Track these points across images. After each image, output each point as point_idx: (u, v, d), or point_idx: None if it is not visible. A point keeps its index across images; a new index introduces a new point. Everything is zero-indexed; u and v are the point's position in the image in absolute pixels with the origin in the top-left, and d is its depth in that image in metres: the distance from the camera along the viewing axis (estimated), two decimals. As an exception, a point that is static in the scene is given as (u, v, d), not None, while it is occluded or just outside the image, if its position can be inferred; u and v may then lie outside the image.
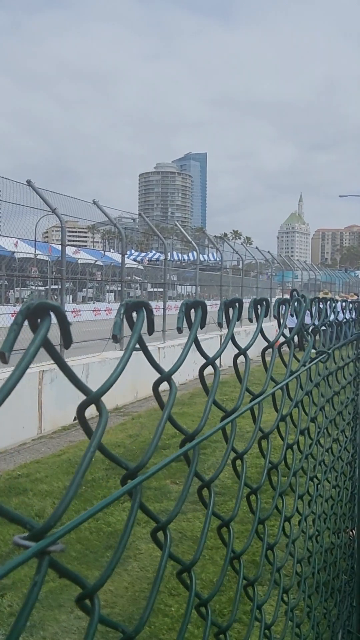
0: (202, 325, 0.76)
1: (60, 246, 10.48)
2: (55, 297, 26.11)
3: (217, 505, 3.25)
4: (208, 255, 45.74)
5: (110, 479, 6.00)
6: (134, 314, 0.59)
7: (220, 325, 0.85)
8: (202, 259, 35.72)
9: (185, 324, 0.76)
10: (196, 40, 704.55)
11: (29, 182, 9.27)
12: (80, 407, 0.53)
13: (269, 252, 24.99)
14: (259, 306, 1.00)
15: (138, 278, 42.07)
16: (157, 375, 0.75)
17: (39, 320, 0.45)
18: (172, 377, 0.73)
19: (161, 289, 20.22)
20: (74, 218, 12.61)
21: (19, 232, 14.92)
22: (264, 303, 1.01)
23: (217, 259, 22.26)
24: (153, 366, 0.68)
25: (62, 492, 5.69)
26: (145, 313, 0.58)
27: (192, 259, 43.80)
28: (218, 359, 0.87)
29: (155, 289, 39.77)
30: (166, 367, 0.74)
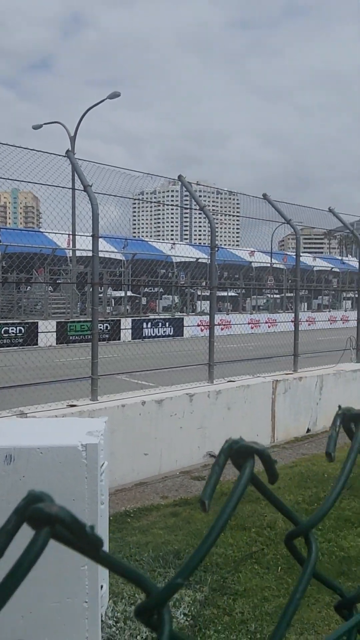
0: None
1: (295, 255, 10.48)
2: (290, 305, 26.19)
3: None
4: None
5: (344, 500, 5.74)
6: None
7: None
8: None
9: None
10: None
11: (264, 196, 9.51)
12: (288, 537, 0.49)
13: None
14: None
15: (378, 284, 39.60)
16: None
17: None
18: None
19: None
20: (309, 227, 12.51)
21: (256, 242, 15.43)
22: None
23: None
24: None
25: (295, 507, 5.65)
26: None
27: None
28: None
29: None
30: None
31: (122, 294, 27.58)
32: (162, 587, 0.33)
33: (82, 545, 0.27)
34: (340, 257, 44.63)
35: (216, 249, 8.68)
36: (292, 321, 10.09)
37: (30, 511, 0.31)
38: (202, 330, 16.90)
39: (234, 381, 8.29)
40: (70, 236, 20.33)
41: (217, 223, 9.08)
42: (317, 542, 0.52)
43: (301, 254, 10.34)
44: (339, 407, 0.52)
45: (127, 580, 0.32)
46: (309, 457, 7.65)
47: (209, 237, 8.60)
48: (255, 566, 4.45)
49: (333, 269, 37.58)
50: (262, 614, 3.76)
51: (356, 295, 13.64)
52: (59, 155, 6.89)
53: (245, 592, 4.07)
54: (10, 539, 0.33)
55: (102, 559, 0.29)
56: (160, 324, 21.99)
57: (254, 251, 24.77)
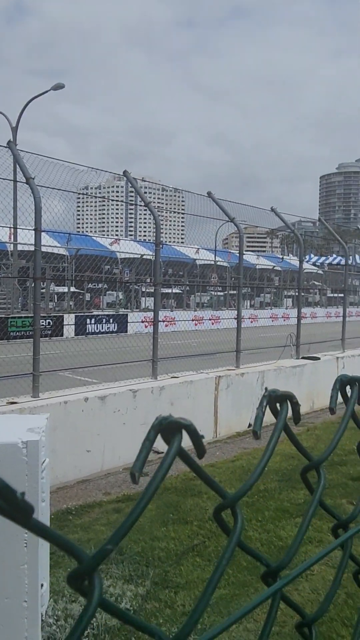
0: None
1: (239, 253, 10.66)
2: (233, 302, 26.63)
3: None
4: (395, 258, 42.58)
5: (282, 491, 5.91)
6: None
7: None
8: (388, 262, 33.33)
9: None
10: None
11: (209, 194, 9.61)
12: (216, 510, 0.52)
13: None
14: None
15: (317, 283, 40.93)
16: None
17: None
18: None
19: (341, 295, 19.35)
20: (252, 225, 12.76)
21: (200, 240, 15.60)
22: None
23: None
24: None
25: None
26: (289, 406, 0.55)
27: (376, 262, 41.16)
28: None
29: (335, 295, 38.27)
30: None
31: (65, 289, 27.14)
32: (93, 553, 0.34)
33: (12, 512, 0.28)
34: (281, 256, 45.77)
35: (161, 245, 8.69)
36: (234, 318, 10.27)
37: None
38: (146, 326, 16.90)
39: (177, 377, 8.36)
40: (12, 229, 19.80)
41: (162, 220, 9.10)
42: (243, 514, 0.54)
43: (244, 252, 10.52)
44: (265, 389, 0.55)
45: (59, 548, 0.33)
46: (250, 451, 7.81)
47: (154, 234, 8.60)
48: (197, 559, 4.51)
49: (275, 268, 38.48)
50: (203, 605, 3.83)
51: (297, 294, 14.04)
52: (0, 146, 6.70)
53: (186, 585, 4.13)
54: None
55: (32, 526, 0.30)
56: (104, 320, 21.80)
57: (199, 249, 25.01)
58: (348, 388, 0.71)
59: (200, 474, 0.48)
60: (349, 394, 0.70)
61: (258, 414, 0.54)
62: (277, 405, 0.54)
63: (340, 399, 0.76)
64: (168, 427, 0.42)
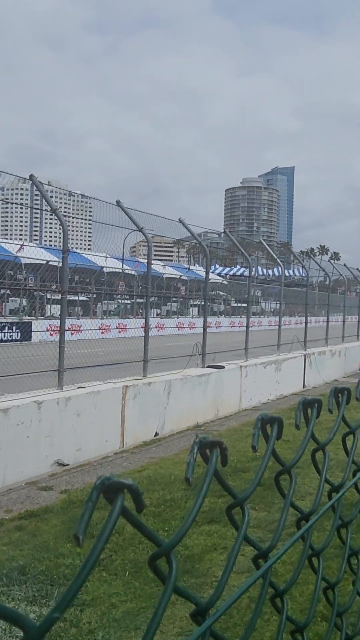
0: (279, 437, 0.74)
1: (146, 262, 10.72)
2: (141, 310, 26.67)
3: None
4: (294, 271, 45.02)
5: (189, 500, 5.99)
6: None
7: (297, 427, 0.82)
8: (287, 274, 35.11)
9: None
10: (288, 54, 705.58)
11: (118, 203, 9.60)
12: (151, 558, 0.52)
13: (357, 269, 24.13)
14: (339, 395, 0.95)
15: (222, 293, 42.12)
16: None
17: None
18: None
19: (245, 304, 20.07)
20: (160, 235, 12.89)
21: (108, 248, 15.48)
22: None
23: (303, 275, 21.80)
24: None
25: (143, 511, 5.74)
26: (219, 452, 0.56)
27: (277, 274, 43.25)
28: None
29: (239, 304, 39.62)
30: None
31: (-36, 295, 25.76)
32: (39, 623, 0.32)
33: None
34: (188, 266, 46.63)
35: (68, 252, 8.53)
36: (142, 327, 10.29)
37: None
38: (51, 335, 16.44)
39: (84, 387, 8.22)
40: None
41: (68, 226, 8.93)
42: (178, 561, 0.55)
43: (152, 261, 10.60)
44: (196, 435, 0.56)
45: (3, 619, 0.31)
46: (156, 461, 7.84)
47: (61, 239, 8.42)
48: (103, 573, 4.44)
49: (181, 277, 39.11)
50: (109, 621, 3.77)
51: (202, 303, 14.38)
52: None
53: (92, 602, 4.04)
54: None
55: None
56: (6, 327, 20.97)
57: (107, 257, 24.83)
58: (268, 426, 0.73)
59: (140, 528, 0.48)
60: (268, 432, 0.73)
61: (189, 461, 0.55)
62: (207, 451, 0.55)
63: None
64: (110, 488, 0.41)
